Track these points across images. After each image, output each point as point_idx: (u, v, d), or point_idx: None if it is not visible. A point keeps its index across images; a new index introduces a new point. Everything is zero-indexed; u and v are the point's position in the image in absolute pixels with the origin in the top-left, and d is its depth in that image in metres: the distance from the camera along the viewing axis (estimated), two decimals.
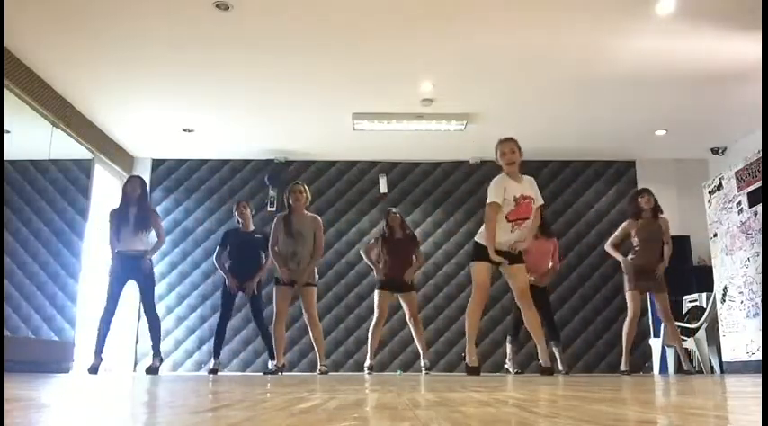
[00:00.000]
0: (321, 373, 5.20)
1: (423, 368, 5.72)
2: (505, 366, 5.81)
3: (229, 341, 7.09)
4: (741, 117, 6.45)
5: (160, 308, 7.23)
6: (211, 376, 4.73)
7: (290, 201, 5.25)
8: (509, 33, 4.88)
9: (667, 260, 5.27)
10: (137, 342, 7.18)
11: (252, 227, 5.64)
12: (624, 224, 5.44)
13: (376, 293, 5.67)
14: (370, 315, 7.26)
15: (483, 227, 4.35)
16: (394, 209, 5.94)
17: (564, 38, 4.94)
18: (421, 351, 5.74)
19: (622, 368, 5.37)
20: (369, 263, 5.85)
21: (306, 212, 5.29)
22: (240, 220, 5.58)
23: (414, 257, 5.74)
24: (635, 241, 5.33)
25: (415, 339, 5.74)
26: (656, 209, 5.33)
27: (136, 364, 7.10)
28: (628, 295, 5.31)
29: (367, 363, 5.71)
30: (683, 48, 5.06)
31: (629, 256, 5.34)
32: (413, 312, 5.65)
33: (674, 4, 4.43)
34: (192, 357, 7.12)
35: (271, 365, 5.39)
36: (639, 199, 5.32)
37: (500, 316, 7.12)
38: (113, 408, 1.14)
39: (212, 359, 5.53)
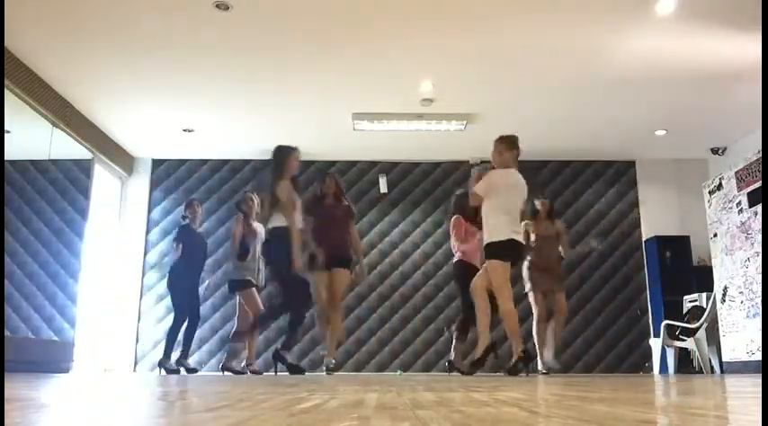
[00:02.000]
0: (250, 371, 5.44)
1: (324, 368, 5.04)
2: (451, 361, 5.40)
3: (229, 341, 7.09)
4: (741, 117, 6.45)
5: (160, 308, 7.24)
6: (187, 375, 4.80)
7: (243, 209, 5.60)
8: (509, 33, 4.88)
9: (565, 254, 5.67)
10: (137, 342, 7.18)
11: (199, 228, 5.93)
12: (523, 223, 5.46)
13: (310, 276, 4.95)
14: (370, 314, 7.28)
15: (492, 226, 4.33)
16: (331, 172, 5.69)
17: (564, 38, 4.94)
18: (328, 348, 5.03)
19: (540, 368, 5.36)
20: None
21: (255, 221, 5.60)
22: (190, 218, 5.81)
23: (350, 233, 5.19)
24: (533, 238, 5.51)
25: (328, 328, 5.05)
26: (551, 214, 5.67)
27: (136, 364, 7.10)
28: (530, 297, 5.48)
29: (326, 359, 5.00)
30: (682, 48, 5.06)
31: (528, 257, 5.46)
32: (334, 292, 5.00)
33: (673, 4, 4.43)
34: (192, 357, 7.12)
35: (170, 363, 5.59)
36: (536, 202, 5.61)
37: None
38: (113, 408, 1.14)
39: (169, 357, 5.61)
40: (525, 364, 4.31)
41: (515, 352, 4.24)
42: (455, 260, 5.42)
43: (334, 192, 5.23)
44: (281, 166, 4.71)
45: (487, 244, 4.37)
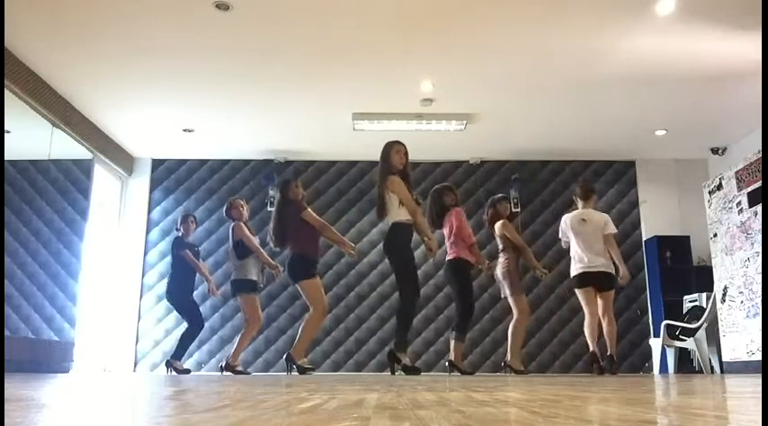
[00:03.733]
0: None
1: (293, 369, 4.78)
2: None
3: (229, 341, 7.08)
4: (741, 117, 6.45)
5: (160, 308, 7.24)
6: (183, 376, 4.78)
7: (234, 216, 5.58)
8: (509, 33, 4.88)
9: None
10: (137, 342, 7.18)
11: (190, 239, 5.97)
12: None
13: (315, 281, 4.93)
14: (370, 314, 7.28)
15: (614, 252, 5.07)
16: (290, 178, 5.41)
17: (564, 38, 4.94)
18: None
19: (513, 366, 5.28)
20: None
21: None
22: (183, 233, 5.84)
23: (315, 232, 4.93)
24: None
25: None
26: (510, 217, 5.67)
27: (136, 364, 7.10)
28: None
29: (303, 359, 4.80)
30: (683, 48, 5.06)
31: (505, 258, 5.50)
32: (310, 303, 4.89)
33: (673, 4, 4.43)
34: (193, 357, 7.12)
35: (178, 365, 5.57)
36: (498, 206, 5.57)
37: (501, 316, 7.12)
38: (113, 408, 1.14)
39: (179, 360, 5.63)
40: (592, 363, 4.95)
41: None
42: (452, 257, 5.25)
43: (294, 198, 5.06)
44: (385, 162, 4.67)
45: None
